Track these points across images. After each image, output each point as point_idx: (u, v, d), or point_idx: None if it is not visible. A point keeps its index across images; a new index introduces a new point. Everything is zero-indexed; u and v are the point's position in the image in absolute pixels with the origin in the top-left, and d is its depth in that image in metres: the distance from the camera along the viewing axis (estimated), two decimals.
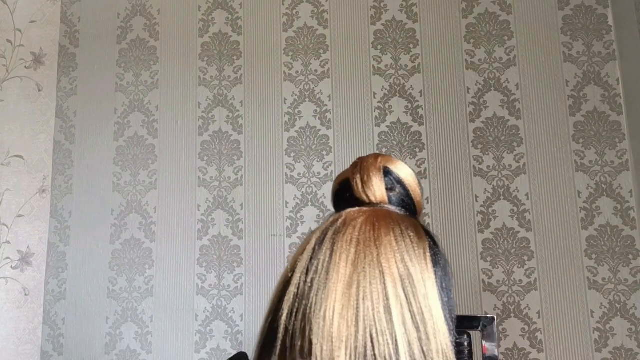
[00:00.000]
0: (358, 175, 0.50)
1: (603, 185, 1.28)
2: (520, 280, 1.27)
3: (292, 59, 1.50)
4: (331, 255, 0.44)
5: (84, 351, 1.47)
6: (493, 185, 1.33)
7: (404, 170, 0.51)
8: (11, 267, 1.50)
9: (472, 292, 1.29)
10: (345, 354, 0.40)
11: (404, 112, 1.41)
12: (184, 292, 1.44)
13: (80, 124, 1.61)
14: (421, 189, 0.53)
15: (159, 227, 1.50)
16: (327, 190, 1.40)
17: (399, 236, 0.45)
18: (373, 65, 1.45)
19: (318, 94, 1.47)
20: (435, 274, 0.45)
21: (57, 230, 1.56)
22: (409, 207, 0.51)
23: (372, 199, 0.49)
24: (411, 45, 1.44)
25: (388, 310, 0.41)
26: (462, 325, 1.05)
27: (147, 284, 1.47)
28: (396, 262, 0.43)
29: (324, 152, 1.43)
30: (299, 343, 0.41)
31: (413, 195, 0.51)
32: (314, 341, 0.40)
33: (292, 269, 0.46)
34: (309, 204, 1.41)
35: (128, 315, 1.46)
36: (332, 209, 0.55)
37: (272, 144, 1.47)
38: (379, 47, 1.45)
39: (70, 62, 1.65)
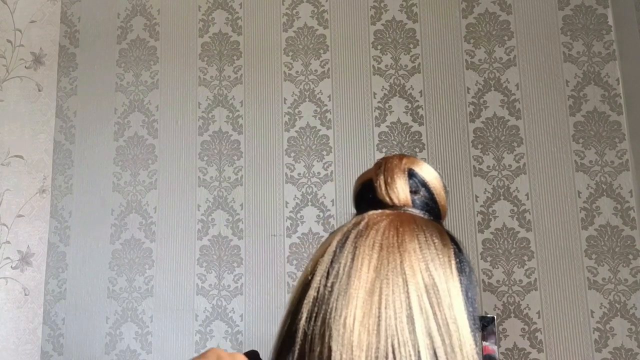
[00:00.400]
0: (382, 177, 0.49)
1: (603, 185, 1.28)
2: (520, 280, 1.27)
3: (292, 59, 1.50)
4: (353, 259, 0.43)
5: (84, 351, 1.47)
6: (493, 185, 1.33)
7: (429, 173, 0.50)
8: (11, 267, 1.50)
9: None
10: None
11: (404, 112, 1.41)
12: (184, 292, 1.44)
13: (80, 124, 1.61)
14: (446, 192, 0.51)
15: (159, 227, 1.50)
16: (327, 190, 1.40)
17: (424, 243, 0.44)
18: (373, 65, 1.45)
19: (318, 94, 1.47)
20: (461, 283, 0.44)
21: (57, 230, 1.56)
22: (433, 210, 0.49)
23: (396, 201, 0.48)
24: (411, 45, 1.44)
25: (411, 320, 0.40)
26: None
27: (147, 284, 1.47)
28: (420, 271, 0.42)
29: (324, 152, 1.43)
30: (318, 349, 0.40)
31: (438, 199, 0.50)
32: (334, 348, 0.39)
33: (312, 272, 0.44)
34: (309, 204, 1.41)
35: (128, 315, 1.46)
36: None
37: (272, 144, 1.47)
38: (379, 47, 1.45)
39: (70, 62, 1.65)
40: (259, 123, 1.49)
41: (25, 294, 1.50)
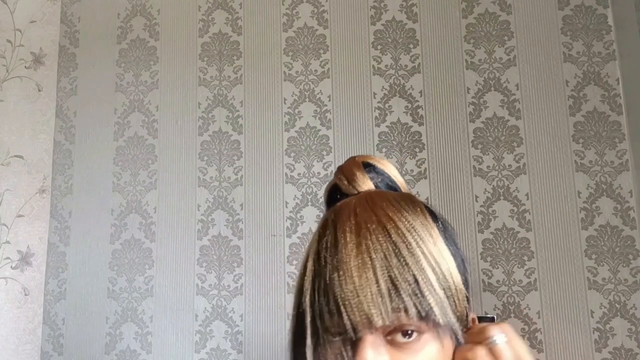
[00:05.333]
0: (342, 176, 0.53)
1: (603, 186, 1.28)
2: (520, 281, 1.27)
3: (292, 59, 1.50)
4: (335, 232, 0.46)
5: (83, 351, 1.47)
6: (493, 186, 1.33)
7: (382, 162, 0.54)
8: (11, 267, 1.50)
9: (472, 292, 1.28)
10: (373, 304, 0.41)
11: (403, 112, 1.41)
12: (183, 292, 1.44)
13: (80, 124, 1.61)
14: (401, 176, 0.55)
15: (158, 227, 1.49)
16: None
17: (393, 200, 0.47)
18: (373, 65, 1.45)
19: (318, 94, 1.46)
20: (437, 227, 0.47)
21: (57, 230, 1.56)
22: (396, 190, 0.53)
23: (361, 190, 0.51)
24: (411, 45, 1.44)
25: (401, 255, 0.43)
26: None
27: (147, 284, 1.47)
28: (398, 219, 0.45)
29: (324, 152, 1.43)
30: (327, 315, 0.42)
31: (396, 180, 0.54)
32: (340, 303, 0.42)
33: (306, 260, 0.48)
34: (309, 204, 1.41)
35: (128, 315, 1.46)
36: None
37: (272, 144, 1.47)
38: (379, 47, 1.45)
39: (70, 62, 1.65)
40: (258, 123, 1.49)
41: (25, 294, 1.50)
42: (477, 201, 1.33)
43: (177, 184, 1.51)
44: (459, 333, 0.44)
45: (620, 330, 1.21)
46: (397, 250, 0.43)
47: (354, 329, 0.41)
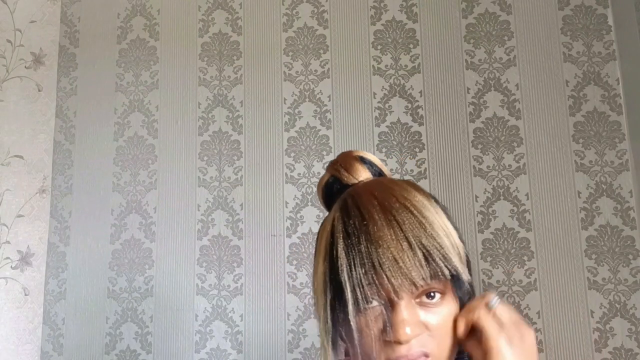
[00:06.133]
0: (340, 168, 0.59)
1: (603, 186, 1.28)
2: (520, 281, 1.27)
3: (292, 59, 1.50)
4: (360, 212, 0.52)
5: (83, 351, 1.47)
6: (493, 186, 1.33)
7: (371, 156, 0.62)
8: (11, 267, 1.50)
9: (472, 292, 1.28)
10: (414, 269, 0.48)
11: (403, 112, 1.41)
12: (183, 292, 1.44)
13: (80, 124, 1.61)
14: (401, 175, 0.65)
15: (158, 227, 1.49)
16: None
17: (402, 184, 0.56)
18: (373, 65, 1.45)
19: (318, 94, 1.46)
20: (440, 206, 0.56)
21: (57, 230, 1.56)
22: None
23: (360, 179, 0.58)
24: (411, 45, 1.44)
25: (425, 228, 0.50)
26: None
27: (147, 284, 1.47)
28: (412, 198, 0.53)
29: (324, 152, 1.43)
30: (366, 284, 0.49)
31: (385, 171, 0.62)
32: (382, 272, 0.48)
33: (328, 241, 0.53)
34: (309, 204, 1.41)
35: (128, 316, 1.46)
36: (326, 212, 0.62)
37: (272, 144, 1.47)
38: (379, 47, 1.45)
39: (70, 62, 1.65)
40: (258, 123, 1.49)
41: (25, 294, 1.50)
42: (477, 201, 1.33)
43: (177, 184, 1.51)
44: (474, 290, 0.54)
45: (620, 330, 1.21)
46: (421, 224, 0.50)
47: (396, 293, 0.48)
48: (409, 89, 1.42)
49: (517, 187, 1.32)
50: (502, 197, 1.32)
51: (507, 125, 1.35)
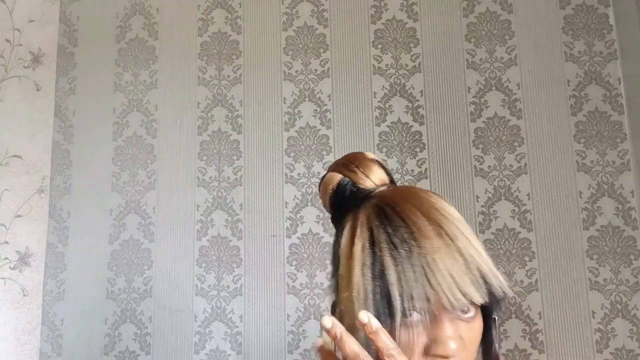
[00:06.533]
0: (357, 170, 0.58)
1: (604, 186, 1.27)
2: (522, 281, 1.27)
3: (292, 58, 1.49)
4: (404, 221, 0.51)
5: (82, 352, 1.47)
6: (494, 186, 1.32)
7: (381, 160, 0.61)
8: (10, 267, 1.49)
9: None
10: (473, 287, 0.49)
11: (404, 111, 1.40)
12: (183, 293, 1.44)
13: (78, 123, 1.60)
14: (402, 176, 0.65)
15: (157, 227, 1.49)
16: None
17: (430, 194, 0.55)
18: (373, 65, 1.44)
19: (318, 93, 1.46)
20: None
21: (56, 231, 1.55)
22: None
23: (378, 183, 0.57)
24: (412, 45, 1.43)
25: (472, 244, 0.51)
26: None
27: (146, 284, 1.46)
28: (449, 210, 0.53)
29: (324, 152, 1.43)
30: (416, 297, 0.48)
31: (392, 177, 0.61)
32: (437, 287, 0.47)
33: (368, 245, 0.51)
34: (309, 204, 1.40)
35: (127, 316, 1.46)
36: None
37: (272, 143, 1.46)
38: (379, 46, 1.45)
39: (69, 62, 1.64)
40: (258, 123, 1.48)
41: (24, 295, 1.50)
42: (478, 201, 1.32)
43: (176, 184, 1.50)
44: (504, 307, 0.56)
45: (622, 331, 1.20)
46: (469, 240, 0.51)
47: (448, 309, 0.49)
48: (409, 89, 1.41)
49: (518, 187, 1.31)
50: (503, 197, 1.31)
51: (508, 125, 1.34)
